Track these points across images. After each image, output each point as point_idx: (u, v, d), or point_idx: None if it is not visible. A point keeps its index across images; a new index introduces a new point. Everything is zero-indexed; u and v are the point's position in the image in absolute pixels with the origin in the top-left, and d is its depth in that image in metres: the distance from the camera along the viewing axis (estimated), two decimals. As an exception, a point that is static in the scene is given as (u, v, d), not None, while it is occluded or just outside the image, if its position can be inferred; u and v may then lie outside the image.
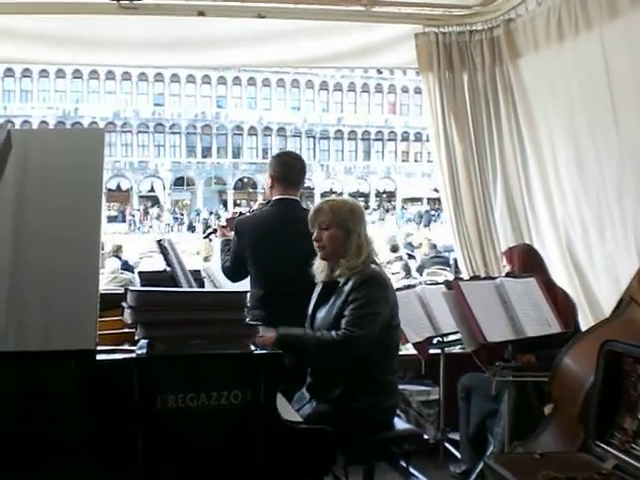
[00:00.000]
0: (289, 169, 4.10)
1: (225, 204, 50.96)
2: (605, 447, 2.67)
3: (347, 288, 3.27)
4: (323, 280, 3.47)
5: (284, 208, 4.05)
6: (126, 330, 2.92)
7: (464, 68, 5.62)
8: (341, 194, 43.49)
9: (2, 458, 2.30)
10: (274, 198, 4.11)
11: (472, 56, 5.59)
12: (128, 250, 13.44)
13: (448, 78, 5.61)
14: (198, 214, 47.29)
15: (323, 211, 3.41)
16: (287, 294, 3.76)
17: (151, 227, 43.40)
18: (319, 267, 3.47)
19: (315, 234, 3.41)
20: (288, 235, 3.90)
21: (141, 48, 5.53)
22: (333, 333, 3.19)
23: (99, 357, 2.37)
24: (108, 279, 9.09)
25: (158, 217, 44.89)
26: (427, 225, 42.22)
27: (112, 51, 5.53)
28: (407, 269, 10.82)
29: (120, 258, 11.57)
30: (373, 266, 3.34)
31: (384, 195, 56.14)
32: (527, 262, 4.57)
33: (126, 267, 10.96)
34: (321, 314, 3.38)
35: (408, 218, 48.54)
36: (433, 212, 46.07)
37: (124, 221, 45.73)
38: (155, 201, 49.99)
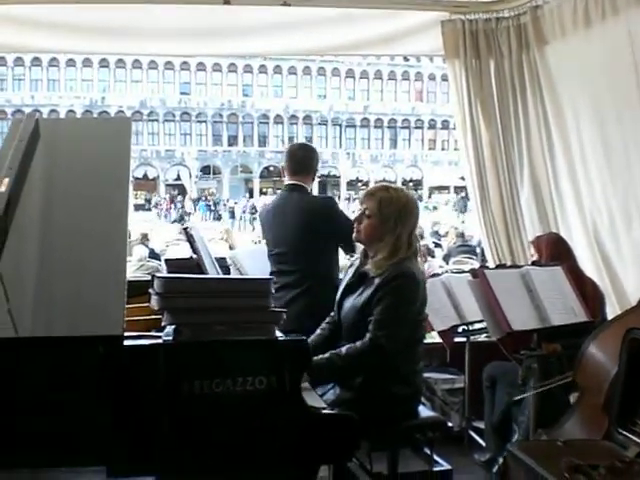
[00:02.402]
0: (290, 158, 4.37)
1: (251, 192, 51.06)
2: (628, 435, 2.67)
3: (377, 281, 3.20)
4: (354, 264, 3.45)
5: (286, 194, 4.37)
6: (153, 317, 2.95)
7: (491, 55, 5.57)
8: (367, 183, 43.37)
9: (30, 440, 2.34)
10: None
11: (499, 43, 5.54)
12: (155, 238, 13.53)
13: (475, 65, 5.57)
14: (217, 203, 47.28)
15: (373, 198, 3.31)
16: (282, 271, 4.06)
17: (188, 214, 43.20)
18: (358, 247, 3.48)
19: (358, 214, 3.37)
20: (283, 218, 4.23)
21: (167, 37, 5.55)
22: (358, 344, 3.13)
23: (126, 343, 2.40)
24: (135, 267, 9.15)
25: (182, 206, 44.82)
26: (463, 212, 41.62)
27: (138, 40, 5.56)
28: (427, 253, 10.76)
29: (147, 246, 11.65)
30: (407, 263, 3.24)
31: (410, 183, 55.88)
32: (555, 251, 4.53)
33: (153, 255, 11.04)
34: (348, 303, 3.34)
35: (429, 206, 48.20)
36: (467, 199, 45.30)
37: (151, 209, 45.95)
38: (182, 190, 50.20)
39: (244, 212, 40.00)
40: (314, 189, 4.77)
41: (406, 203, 3.31)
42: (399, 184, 52.89)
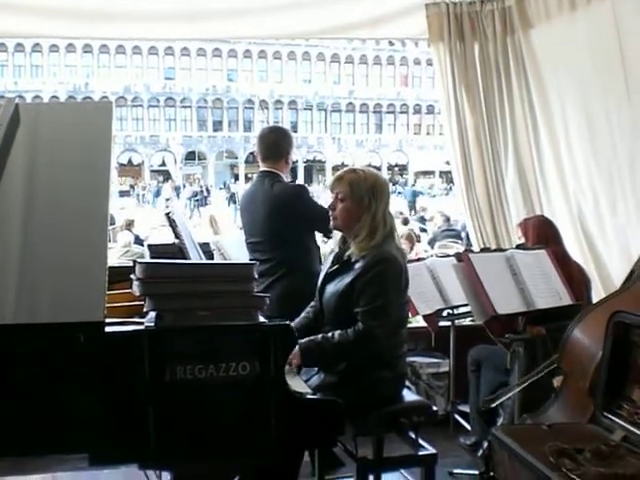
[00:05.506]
0: (260, 143, 4.36)
1: (237, 178, 50.90)
2: (613, 418, 2.67)
3: (358, 266, 3.20)
4: (334, 251, 3.45)
5: (258, 182, 4.34)
6: (136, 303, 2.92)
7: (475, 39, 5.55)
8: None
9: (12, 428, 2.32)
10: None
11: (483, 26, 5.52)
12: (139, 224, 13.48)
13: (459, 49, 5.55)
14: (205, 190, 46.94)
15: (342, 181, 3.31)
16: (256, 260, 3.89)
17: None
18: (336, 235, 3.45)
19: (331, 202, 3.36)
20: (255, 207, 4.21)
21: (150, 20, 5.49)
22: (350, 332, 3.12)
23: (108, 329, 2.37)
24: (120, 253, 9.11)
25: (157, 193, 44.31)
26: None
27: (122, 24, 5.50)
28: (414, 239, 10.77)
29: (132, 232, 11.59)
30: (386, 247, 3.23)
31: (396, 168, 55.92)
32: (542, 234, 4.52)
33: (137, 241, 10.99)
34: (330, 288, 3.32)
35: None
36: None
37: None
38: (167, 175, 49.97)
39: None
40: (300, 174, 4.74)
41: (376, 180, 3.32)
42: (385, 169, 53.29)
